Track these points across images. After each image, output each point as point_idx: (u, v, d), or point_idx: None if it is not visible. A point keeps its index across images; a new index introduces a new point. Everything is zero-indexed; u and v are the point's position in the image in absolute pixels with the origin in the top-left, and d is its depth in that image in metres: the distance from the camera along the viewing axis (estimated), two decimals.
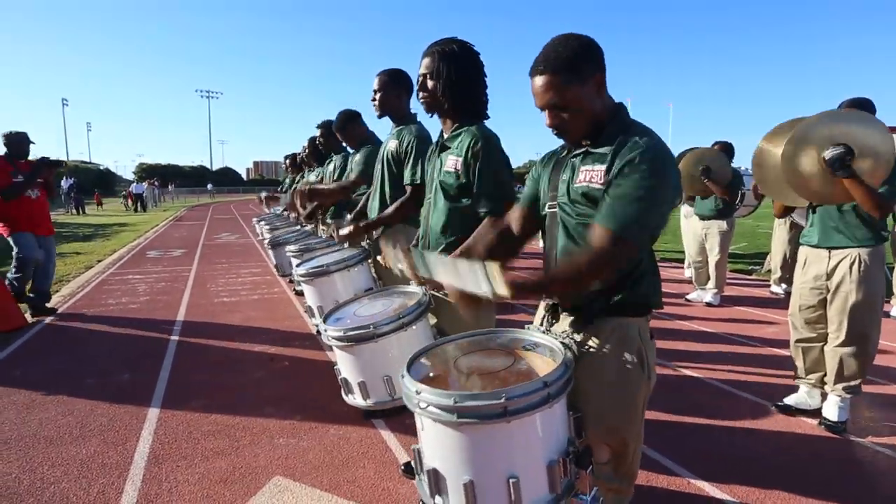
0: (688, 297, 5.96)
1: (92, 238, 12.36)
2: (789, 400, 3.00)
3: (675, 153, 5.81)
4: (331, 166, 4.27)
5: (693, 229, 5.86)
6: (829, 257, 2.72)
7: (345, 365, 1.83)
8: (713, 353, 4.06)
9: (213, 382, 3.44)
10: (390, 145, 2.53)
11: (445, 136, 1.98)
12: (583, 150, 1.33)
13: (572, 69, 1.25)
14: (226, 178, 62.63)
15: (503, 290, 1.10)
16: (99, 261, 8.67)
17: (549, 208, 1.39)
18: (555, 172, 1.41)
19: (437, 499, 1.17)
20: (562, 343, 1.27)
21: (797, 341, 2.93)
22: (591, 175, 1.26)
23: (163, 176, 48.03)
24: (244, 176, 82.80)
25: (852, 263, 2.63)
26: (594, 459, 1.32)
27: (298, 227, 4.98)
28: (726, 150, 5.74)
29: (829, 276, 2.72)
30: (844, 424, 2.76)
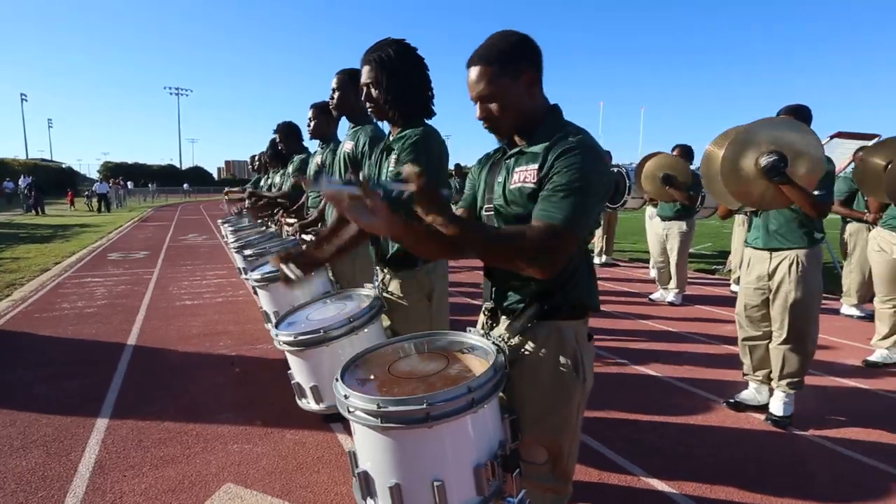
0: (651, 296, 6.09)
1: (50, 239, 11.92)
2: (739, 396, 3.09)
3: (647, 153, 5.96)
4: (290, 168, 4.23)
5: (655, 230, 5.99)
6: (771, 258, 2.82)
7: (297, 369, 1.81)
8: (672, 352, 4.16)
9: (169, 388, 3.36)
10: (346, 146, 2.52)
11: (391, 138, 1.98)
12: (517, 150, 1.34)
13: (504, 63, 1.26)
14: (196, 178, 61.21)
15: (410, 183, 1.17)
16: (56, 263, 8.37)
17: (485, 211, 1.40)
18: (490, 174, 1.42)
19: (369, 501, 1.17)
20: (496, 347, 1.28)
21: (744, 339, 3.03)
22: (524, 175, 1.28)
23: (129, 175, 46.73)
24: (215, 175, 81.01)
25: (791, 264, 2.74)
26: (532, 460, 1.35)
27: (263, 228, 4.91)
28: (686, 153, 5.89)
29: (771, 276, 2.81)
30: (789, 419, 2.86)
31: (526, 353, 1.32)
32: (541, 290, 1.30)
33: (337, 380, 1.22)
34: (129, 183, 40.54)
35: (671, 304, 5.83)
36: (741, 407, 3.05)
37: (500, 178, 1.36)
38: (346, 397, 1.15)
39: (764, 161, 2.52)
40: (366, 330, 1.72)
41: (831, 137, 7.29)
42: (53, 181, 38.20)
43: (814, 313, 2.80)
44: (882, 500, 2.22)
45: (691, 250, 7.15)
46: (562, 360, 1.29)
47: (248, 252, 3.33)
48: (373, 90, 1.91)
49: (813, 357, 2.86)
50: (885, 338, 3.87)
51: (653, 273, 6.32)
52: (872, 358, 3.87)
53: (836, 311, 5.43)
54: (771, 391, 2.99)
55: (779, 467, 2.48)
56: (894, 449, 2.64)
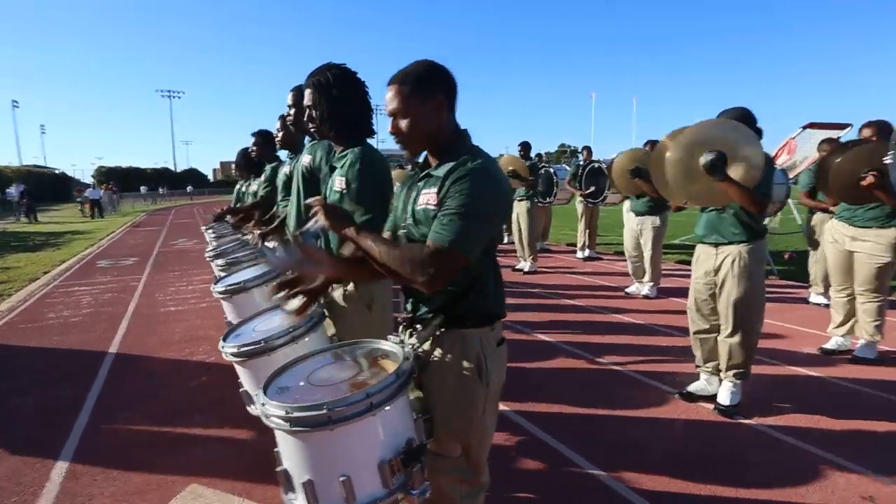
0: (627, 290, 6.22)
1: (42, 248, 12.02)
2: (691, 388, 3.23)
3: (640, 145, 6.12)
4: (262, 176, 4.32)
5: (629, 225, 6.11)
6: (717, 254, 2.94)
7: (244, 378, 1.93)
8: (639, 346, 4.28)
9: (146, 394, 3.48)
10: (304, 160, 2.63)
11: (335, 157, 2.10)
12: (425, 173, 1.46)
13: (417, 86, 1.40)
14: (192, 180, 61.16)
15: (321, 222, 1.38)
16: (45, 272, 8.48)
17: (402, 230, 1.52)
18: (407, 195, 1.54)
19: (290, 495, 1.30)
20: (404, 353, 1.40)
21: (695, 333, 3.16)
22: (428, 197, 1.40)
23: (124, 179, 46.67)
24: (211, 177, 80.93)
25: (734, 260, 2.86)
26: (448, 454, 1.48)
27: (239, 235, 5.01)
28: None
29: (717, 271, 2.94)
30: (736, 408, 2.99)
31: (435, 359, 1.44)
32: (446, 302, 1.42)
33: (258, 392, 1.35)
34: (141, 188, 40.64)
35: (646, 297, 5.96)
36: (693, 398, 3.18)
37: (412, 199, 1.48)
38: (263, 405, 1.27)
39: (704, 160, 2.64)
40: (306, 339, 1.83)
41: (803, 128, 7.39)
42: (48, 187, 38.16)
43: (756, 306, 2.93)
44: (813, 484, 2.35)
45: (674, 242, 7.33)
46: (466, 365, 1.41)
47: (219, 262, 3.44)
48: (313, 112, 2.06)
49: (756, 347, 2.99)
50: (839, 326, 4.00)
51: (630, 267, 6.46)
52: (827, 346, 4.00)
53: (805, 300, 5.57)
54: (720, 381, 3.12)
55: (721, 455, 2.61)
56: (831, 435, 2.78)
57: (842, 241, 3.88)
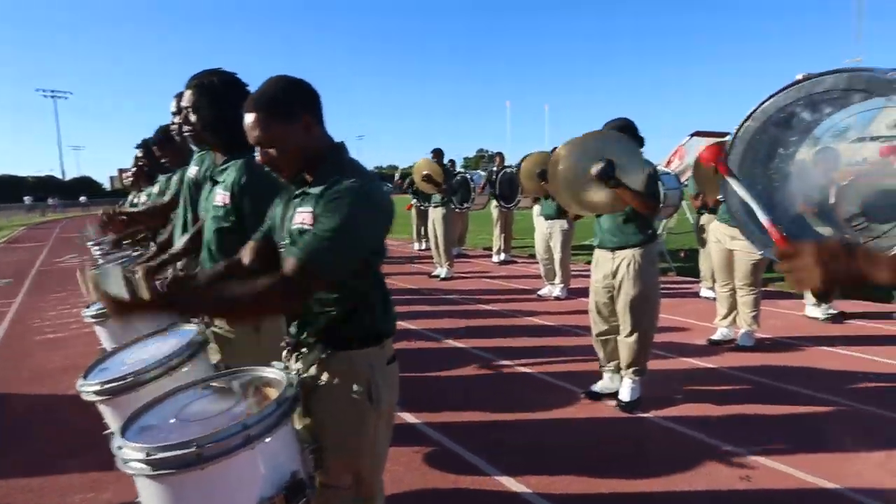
0: (539, 292, 6.41)
1: None
2: (595, 387, 3.36)
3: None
4: (156, 187, 3.99)
5: (540, 229, 6.32)
6: (613, 258, 3.09)
7: (110, 420, 1.72)
8: (548, 347, 4.41)
9: (8, 437, 3.06)
10: (191, 171, 2.44)
11: (216, 168, 1.95)
12: (301, 191, 1.38)
13: (276, 108, 1.31)
14: (84, 188, 55.72)
15: (145, 294, 1.15)
16: None
17: (280, 248, 1.43)
18: (284, 211, 1.45)
19: None
20: (288, 380, 1.30)
21: (597, 335, 3.30)
22: (303, 217, 1.32)
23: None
24: (108, 185, 74.12)
25: (629, 263, 3.02)
26: (337, 485, 1.39)
27: (129, 252, 4.58)
28: None
29: (614, 275, 3.09)
30: (636, 403, 3.15)
31: (321, 383, 1.36)
32: (330, 324, 1.35)
33: (113, 433, 1.19)
34: (25, 198, 36.10)
35: (557, 298, 6.18)
36: (598, 396, 3.31)
37: (288, 217, 1.39)
38: (119, 448, 1.12)
39: (595, 169, 2.75)
40: (185, 369, 1.67)
41: (690, 136, 8.07)
42: None
43: (651, 306, 3.11)
44: (699, 470, 2.51)
45: (583, 243, 7.68)
46: (355, 388, 1.34)
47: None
48: (191, 115, 1.90)
49: (651, 344, 3.18)
50: (723, 318, 4.36)
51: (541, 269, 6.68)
52: (714, 336, 4.35)
53: (696, 294, 6.05)
54: (622, 379, 3.28)
55: (622, 451, 2.72)
56: (716, 421, 3.00)
57: (723, 240, 4.24)
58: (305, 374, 1.36)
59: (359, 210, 1.27)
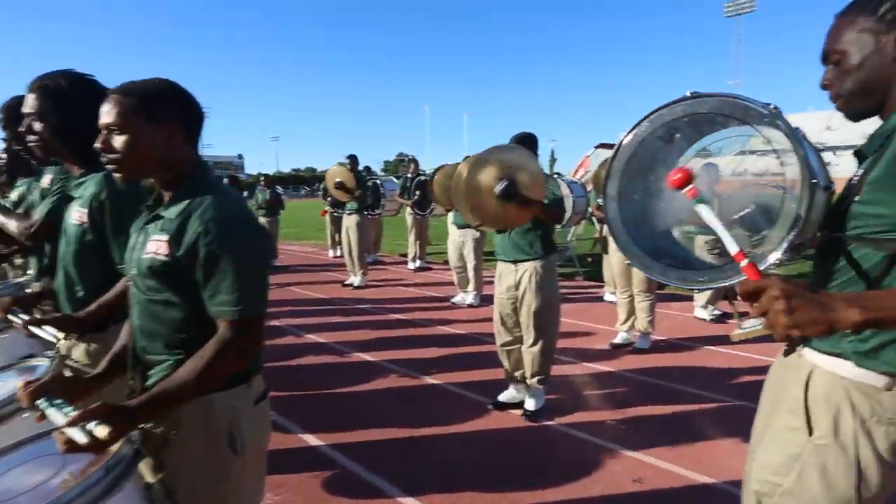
0: (452, 300, 6.43)
1: None
2: (502, 397, 3.39)
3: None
4: (14, 193, 3.50)
5: (452, 237, 6.35)
6: (516, 270, 3.14)
7: None
8: (459, 356, 4.41)
9: None
10: (45, 181, 2.14)
11: (71, 182, 1.72)
12: (155, 213, 1.23)
13: (143, 101, 1.18)
14: None
15: (103, 433, 0.97)
16: None
17: (127, 280, 1.26)
18: (136, 237, 1.28)
19: None
20: (127, 436, 1.14)
21: (501, 345, 3.33)
22: (158, 245, 1.18)
23: None
24: None
25: (531, 275, 3.08)
26: None
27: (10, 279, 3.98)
28: None
29: (517, 286, 3.13)
30: (541, 412, 3.21)
31: (174, 434, 1.20)
32: (183, 361, 1.19)
33: None
34: None
35: (471, 305, 6.23)
36: (504, 406, 3.34)
37: (139, 243, 1.24)
38: None
39: (498, 189, 2.76)
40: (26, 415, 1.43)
41: (595, 148, 8.53)
42: None
43: (552, 316, 3.18)
44: (596, 475, 2.59)
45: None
46: (214, 435, 1.20)
47: None
48: (35, 123, 1.67)
49: (554, 353, 3.26)
50: (623, 322, 4.59)
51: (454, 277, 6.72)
52: (616, 340, 4.58)
53: (600, 299, 6.35)
54: (527, 388, 3.33)
55: (525, 461, 2.75)
56: (613, 424, 3.12)
57: None
58: (151, 426, 1.20)
59: (243, 238, 1.18)
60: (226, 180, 7.92)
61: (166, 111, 1.21)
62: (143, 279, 1.20)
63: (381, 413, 3.34)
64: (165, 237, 1.16)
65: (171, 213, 1.19)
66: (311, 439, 2.98)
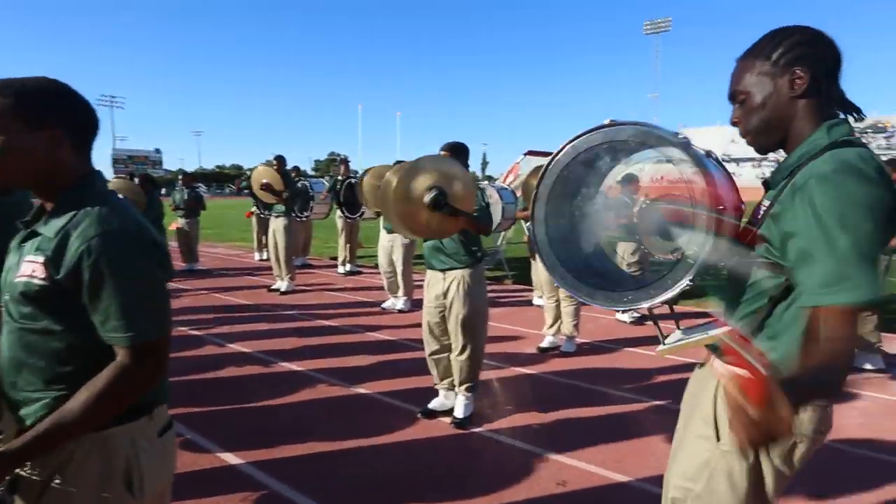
0: (383, 305, 6.36)
1: None
2: (431, 405, 3.38)
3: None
4: None
5: (382, 242, 6.28)
6: (444, 279, 3.14)
7: None
8: (388, 364, 4.36)
9: None
10: None
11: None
12: (31, 230, 1.10)
13: (19, 100, 1.04)
14: None
15: None
16: None
17: (2, 302, 1.12)
18: (12, 257, 1.13)
19: None
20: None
21: (430, 354, 3.32)
22: (32, 267, 1.04)
23: None
24: None
25: (459, 283, 3.10)
26: None
27: None
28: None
29: (445, 295, 3.14)
30: (469, 419, 3.23)
31: (59, 475, 1.06)
32: (64, 397, 1.05)
33: None
34: None
35: (401, 311, 6.18)
36: (434, 414, 3.33)
37: (12, 262, 1.10)
38: None
39: (427, 198, 2.74)
40: None
41: (524, 155, 8.76)
42: None
43: (480, 324, 3.22)
44: (523, 481, 2.63)
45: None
46: (106, 475, 1.08)
47: None
48: None
49: (482, 360, 3.29)
50: (550, 326, 4.74)
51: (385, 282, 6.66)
52: (542, 344, 4.71)
53: (529, 303, 6.52)
54: (456, 396, 3.34)
55: (453, 470, 2.75)
56: (540, 428, 3.20)
57: None
58: (27, 471, 1.05)
59: (130, 256, 1.07)
60: (136, 179, 7.35)
61: (48, 115, 1.07)
62: (17, 305, 1.06)
63: (307, 426, 3.22)
64: (41, 258, 1.03)
65: (50, 229, 1.06)
66: (230, 458, 2.82)
